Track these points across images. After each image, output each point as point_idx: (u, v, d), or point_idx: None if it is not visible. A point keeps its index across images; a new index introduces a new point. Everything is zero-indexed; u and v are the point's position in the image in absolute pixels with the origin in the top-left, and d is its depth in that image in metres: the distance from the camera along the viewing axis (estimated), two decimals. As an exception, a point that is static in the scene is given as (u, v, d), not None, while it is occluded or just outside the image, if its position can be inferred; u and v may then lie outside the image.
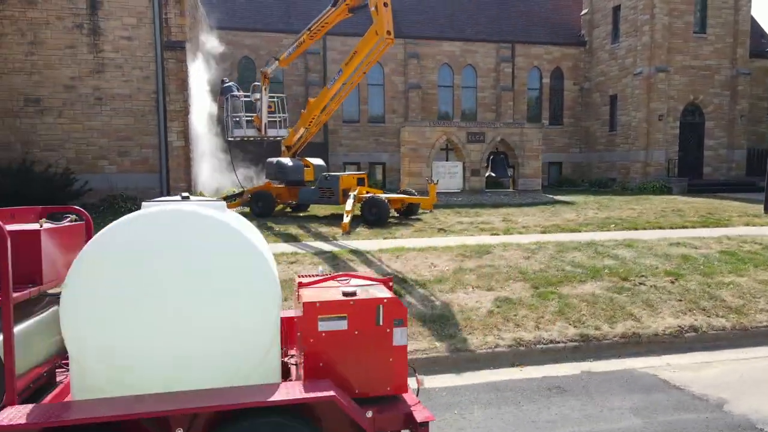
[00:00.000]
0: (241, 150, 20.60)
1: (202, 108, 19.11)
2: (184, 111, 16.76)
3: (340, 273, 4.33)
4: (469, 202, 17.61)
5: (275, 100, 17.48)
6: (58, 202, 15.39)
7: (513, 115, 27.69)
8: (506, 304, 7.37)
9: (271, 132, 17.39)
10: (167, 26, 16.53)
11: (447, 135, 18.94)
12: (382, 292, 3.73)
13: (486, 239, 11.26)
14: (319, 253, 9.96)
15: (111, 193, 16.53)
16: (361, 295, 3.63)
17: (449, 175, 19.18)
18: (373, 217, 13.02)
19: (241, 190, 16.19)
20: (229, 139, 17.20)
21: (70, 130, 16.52)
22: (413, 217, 14.49)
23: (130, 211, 14.51)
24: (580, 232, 12.31)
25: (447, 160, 20.10)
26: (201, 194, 16.79)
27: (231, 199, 15.33)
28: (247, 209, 15.29)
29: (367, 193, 14.31)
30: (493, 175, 19.86)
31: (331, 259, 9.50)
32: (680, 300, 7.64)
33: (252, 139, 17.49)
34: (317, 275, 4.38)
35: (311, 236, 11.76)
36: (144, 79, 16.82)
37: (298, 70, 25.48)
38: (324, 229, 12.54)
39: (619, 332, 6.74)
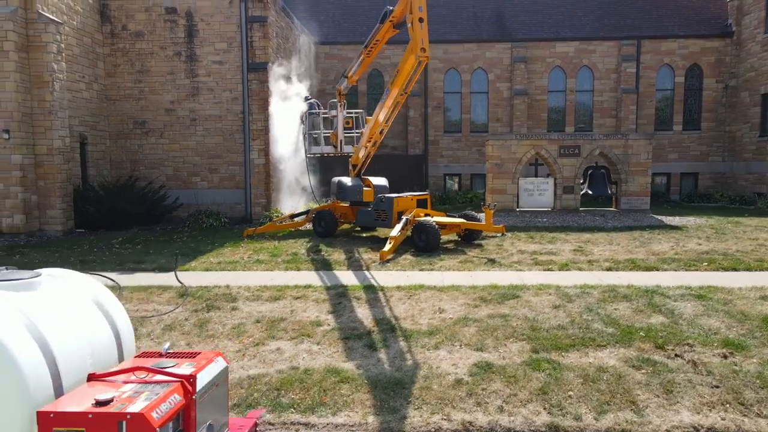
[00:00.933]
0: (326, 166, 20.91)
1: (293, 125, 19.68)
2: (265, 130, 17.38)
3: (167, 352, 3.92)
4: (554, 223, 15.93)
5: (352, 116, 17.37)
6: (153, 216, 16.86)
7: (636, 120, 24.71)
8: (483, 372, 6.34)
9: (348, 149, 17.33)
10: (252, 49, 17.25)
11: (536, 149, 17.37)
12: (149, 400, 3.25)
13: (528, 277, 9.99)
14: (334, 287, 9.56)
15: (200, 208, 17.71)
16: (114, 404, 3.19)
17: (538, 193, 17.59)
18: (422, 243, 12.30)
19: (306, 208, 16.34)
20: (308, 155, 17.47)
21: (169, 150, 17.97)
22: (476, 242, 13.45)
23: (212, 226, 15.28)
24: (657, 270, 10.44)
25: (536, 176, 18.45)
26: (277, 211, 17.29)
27: (296, 218, 15.52)
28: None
29: (426, 216, 13.59)
30: (590, 192, 17.83)
31: (339, 296, 9.05)
32: (716, 386, 5.96)
33: (330, 155, 17.58)
34: (155, 352, 4.03)
35: (348, 264, 11.41)
36: (233, 101, 17.75)
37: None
38: (369, 255, 12.12)
39: (603, 427, 5.41)
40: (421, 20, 10.48)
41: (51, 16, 14.64)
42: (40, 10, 14.40)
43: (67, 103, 15.88)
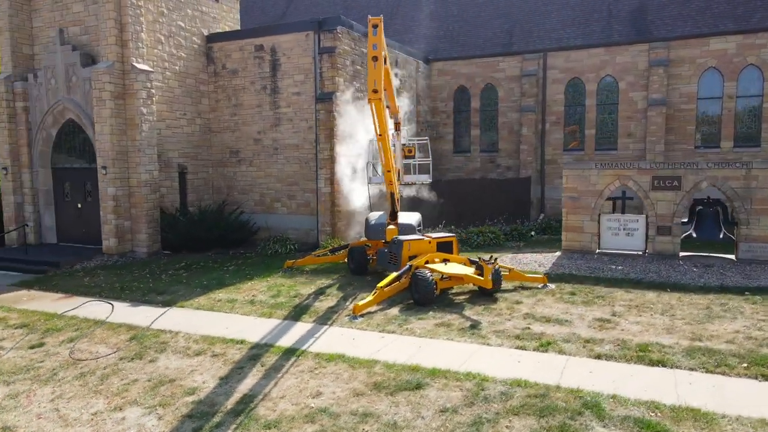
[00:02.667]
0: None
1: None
2: (331, 159, 17.57)
3: None
4: (628, 274, 13.02)
5: (414, 144, 16.54)
6: (236, 240, 18.28)
7: (825, 132, 18.91)
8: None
9: (409, 178, 16.60)
10: (321, 80, 17.57)
11: (621, 180, 14.45)
12: None
13: (480, 356, 8.39)
14: (263, 346, 9.26)
15: (278, 233, 18.69)
16: None
17: (626, 232, 14.62)
18: (417, 296, 11.17)
19: (345, 243, 16.00)
20: (369, 185, 17.15)
21: (256, 177, 19.30)
22: (496, 295, 11.73)
23: (276, 253, 16.05)
24: (663, 366, 7.90)
25: (623, 212, 15.28)
26: (336, 241, 17.31)
27: (335, 252, 15.32)
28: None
29: (444, 262, 12.31)
30: (694, 235, 14.23)
31: (252, 359, 8.74)
32: None
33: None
34: None
35: (322, 315, 10.93)
36: (308, 130, 18.34)
37: (513, 95, 23.25)
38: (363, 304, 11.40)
39: None
40: (374, 59, 9.48)
41: (143, 67, 16.85)
42: (134, 63, 16.68)
43: (164, 139, 18.12)
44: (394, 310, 10.97)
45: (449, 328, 9.84)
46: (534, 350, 8.71)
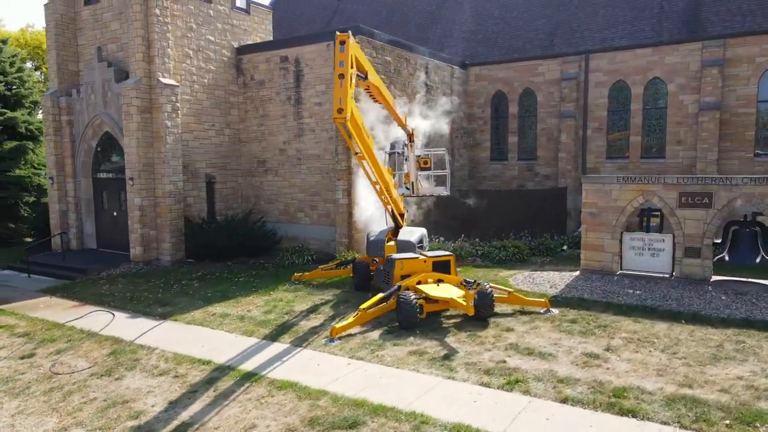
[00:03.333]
0: (441, 203, 19.74)
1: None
2: (348, 170, 17.38)
3: None
4: (644, 300, 11.88)
5: (430, 155, 16.02)
6: (258, 248, 18.54)
7: None
8: None
9: (425, 190, 16.13)
10: (340, 90, 17.39)
11: (645, 195, 13.24)
12: None
13: (437, 392, 7.88)
14: (225, 369, 9.21)
15: (300, 243, 18.78)
16: None
17: (651, 253, 13.40)
18: (401, 318, 10.75)
19: (353, 257, 15.69)
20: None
21: (281, 186, 19.51)
22: (491, 319, 11.06)
23: (293, 264, 16.15)
24: (634, 416, 7.08)
25: (647, 230, 13.96)
26: (351, 253, 17.08)
27: (341, 266, 15.10)
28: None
29: (437, 282, 11.78)
30: (727, 258, 12.80)
31: (208, 383, 8.69)
32: None
33: (410, 196, 16.58)
34: None
35: (300, 335, 10.76)
36: (329, 140, 18.29)
37: (552, 100, 22.09)
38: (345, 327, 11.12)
39: None
40: (341, 77, 9.12)
41: (167, 81, 17.42)
42: (159, 78, 17.28)
43: (192, 150, 18.66)
44: (375, 334, 10.61)
45: (421, 357, 9.36)
46: (498, 388, 8.09)
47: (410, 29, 27.72)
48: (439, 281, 11.91)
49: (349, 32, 9.47)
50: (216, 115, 19.64)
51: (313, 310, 12.52)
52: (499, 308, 11.82)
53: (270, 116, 19.73)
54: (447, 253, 12.52)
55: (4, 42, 25.68)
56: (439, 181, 17.17)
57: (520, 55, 22.91)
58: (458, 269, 16.08)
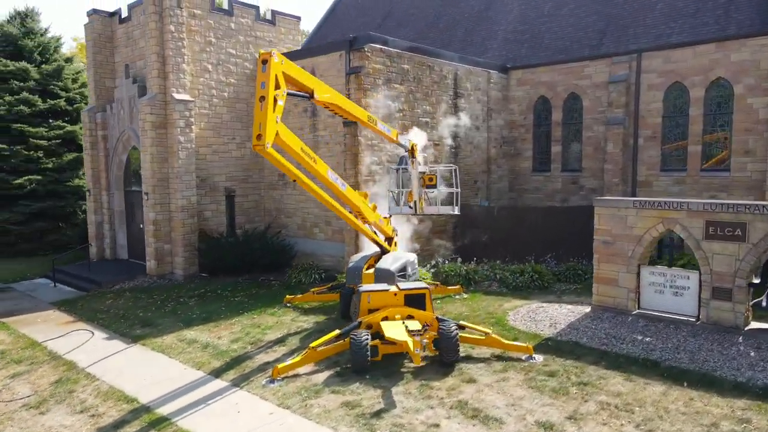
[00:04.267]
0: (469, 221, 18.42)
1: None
2: (356, 185, 16.54)
3: None
4: (651, 352, 9.97)
5: (435, 171, 14.81)
6: (278, 263, 18.23)
7: None
8: None
9: (430, 209, 14.96)
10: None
11: (666, 223, 11.22)
12: None
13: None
14: (147, 410, 8.71)
15: (315, 259, 18.27)
16: None
17: (673, 291, 11.36)
18: (351, 359, 9.77)
19: (343, 282, 14.73)
20: (389, 215, 15.78)
21: (299, 200, 19.11)
22: (460, 365, 9.78)
23: (299, 283, 15.72)
24: None
25: (669, 264, 11.78)
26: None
27: (333, 290, 14.27)
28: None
29: (408, 318, 10.63)
30: (764, 304, 10.50)
31: (116, 426, 8.22)
32: None
33: (413, 215, 15.46)
34: None
35: (245, 372, 10.09)
36: (341, 154, 17.60)
37: (600, 105, 19.87)
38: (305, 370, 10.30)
39: None
40: (261, 99, 8.25)
41: (181, 97, 17.49)
42: (173, 93, 17.40)
43: (210, 164, 18.68)
44: (321, 376, 9.71)
45: (351, 411, 8.36)
46: (409, 463, 6.93)
47: (457, 32, 26.32)
48: (409, 317, 10.75)
49: (273, 51, 8.61)
50: (237, 128, 19.55)
51: (282, 340, 11.82)
52: (477, 351, 10.51)
53: (289, 128, 19.24)
54: (422, 285, 11.29)
55: (69, 60, 27.42)
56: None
57: (566, 56, 20.82)
58: (466, 295, 14.82)
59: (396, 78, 17.44)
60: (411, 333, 9.84)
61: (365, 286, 11.30)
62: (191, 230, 17.85)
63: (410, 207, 14.83)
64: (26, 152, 23.84)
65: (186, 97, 17.65)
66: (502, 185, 22.15)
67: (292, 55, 19.28)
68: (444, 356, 9.79)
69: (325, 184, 10.78)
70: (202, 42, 18.39)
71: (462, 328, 10.55)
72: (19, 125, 23.99)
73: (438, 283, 14.93)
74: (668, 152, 18.85)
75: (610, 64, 19.46)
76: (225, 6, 19.66)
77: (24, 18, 26.40)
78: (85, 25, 20.31)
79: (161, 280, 17.66)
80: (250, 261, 17.77)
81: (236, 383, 9.63)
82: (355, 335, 9.73)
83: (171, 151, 17.59)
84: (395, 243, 13.70)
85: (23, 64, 24.78)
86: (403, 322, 10.43)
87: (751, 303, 10.62)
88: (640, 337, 10.65)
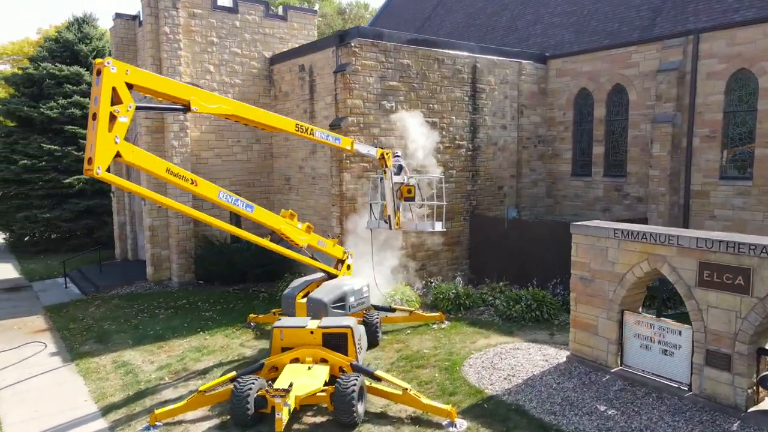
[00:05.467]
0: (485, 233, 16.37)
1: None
2: (341, 195, 15.23)
3: None
4: (611, 431, 7.69)
5: (413, 182, 13.03)
6: (280, 272, 17.42)
7: None
8: None
9: (409, 226, 13.30)
10: (336, 102, 15.32)
11: (651, 261, 8.67)
12: None
13: None
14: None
15: (312, 270, 17.15)
16: None
17: (662, 348, 8.82)
18: (232, 408, 8.50)
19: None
20: (368, 228, 14.23)
21: (301, 207, 18.21)
22: (365, 426, 8.21)
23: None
24: None
25: (659, 312, 9.04)
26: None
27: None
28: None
29: (322, 362, 9.17)
30: (775, 379, 7.71)
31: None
32: None
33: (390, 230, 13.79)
34: None
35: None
36: (331, 159, 16.30)
37: (648, 98, 16.71)
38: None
39: None
40: (93, 117, 7.08)
41: (174, 100, 17.06)
42: (168, 96, 17.01)
43: (212, 168, 18.18)
44: (205, 425, 8.60)
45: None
46: None
47: (502, 18, 23.79)
48: (323, 361, 9.26)
49: (109, 59, 7.40)
50: (243, 130, 18.86)
51: (207, 371, 10.84)
52: (395, 408, 8.80)
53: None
54: (344, 324, 9.68)
55: (122, 62, 28.45)
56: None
57: (612, 41, 17.73)
58: (446, 324, 12.96)
59: (392, 75, 15.69)
60: (306, 383, 8.38)
61: (279, 321, 9.94)
62: (186, 237, 17.49)
63: (385, 221, 13.20)
64: (76, 153, 25.04)
65: (181, 100, 17.17)
66: (537, 191, 19.54)
67: (291, 53, 18.25)
68: (338, 416, 8.22)
69: (224, 207, 9.53)
70: (203, 42, 17.84)
71: (378, 380, 8.90)
72: (71, 127, 25.26)
73: (413, 309, 13.15)
74: (730, 156, 15.36)
75: (662, 48, 16.21)
76: (230, 3, 18.94)
77: (81, 24, 27.76)
78: (110, 29, 20.63)
79: (157, 286, 17.50)
80: (241, 269, 17.06)
81: (115, 425, 8.78)
82: (240, 382, 8.44)
83: (166, 156, 17.27)
84: (348, 266, 12.16)
85: (76, 68, 26.04)
86: (310, 368, 8.99)
87: (758, 377, 7.86)
88: (603, 408, 8.32)
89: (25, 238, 26.27)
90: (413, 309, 13.09)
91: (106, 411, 9.31)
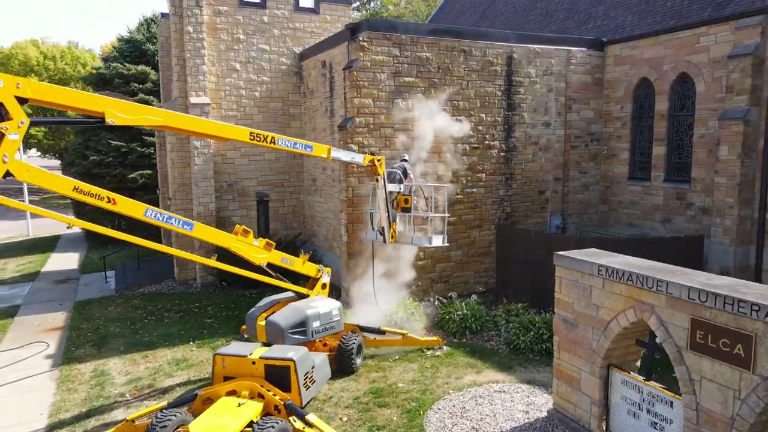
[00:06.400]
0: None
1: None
2: (348, 201, 14.29)
3: None
4: None
5: (409, 191, 11.76)
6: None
7: None
8: None
9: (403, 238, 12.07)
10: (345, 101, 14.37)
11: (639, 310, 6.83)
12: None
13: None
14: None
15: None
16: None
17: (649, 418, 6.98)
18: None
19: None
20: (366, 239, 13.13)
21: (324, 209, 17.63)
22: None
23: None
24: None
25: (648, 374, 7.02)
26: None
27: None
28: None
29: (258, 398, 8.35)
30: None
31: None
32: None
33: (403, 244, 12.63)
34: None
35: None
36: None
37: (719, 90, 13.98)
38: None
39: None
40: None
41: (196, 101, 16.78)
42: (190, 97, 16.87)
43: (239, 168, 17.93)
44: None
45: None
46: None
47: (564, 0, 21.34)
48: (260, 396, 8.41)
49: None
50: (271, 129, 18.36)
51: (170, 389, 10.42)
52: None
53: (318, 128, 17.57)
54: (288, 356, 8.70)
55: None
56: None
57: (678, 22, 15.02)
58: (442, 351, 11.62)
59: (409, 70, 14.34)
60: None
61: (223, 348, 9.21)
62: (209, 238, 17.36)
63: (380, 233, 12.05)
64: (140, 149, 26.15)
65: (203, 100, 17.03)
66: (589, 196, 17.27)
67: (314, 49, 17.42)
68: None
69: (158, 225, 8.86)
70: (229, 40, 17.51)
71: (309, 425, 7.89)
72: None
73: (406, 332, 11.86)
74: (819, 161, 12.40)
75: (734, 29, 13.42)
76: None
77: (150, 24, 28.86)
78: (159, 29, 21.02)
79: (182, 286, 17.62)
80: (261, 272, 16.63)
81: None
82: (158, 417, 7.82)
83: (189, 157, 17.23)
84: (322, 285, 11.12)
85: (142, 67, 27.12)
86: (240, 404, 8.18)
87: (763, 478, 5.87)
88: (560, 490, 6.71)
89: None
90: (406, 332, 11.83)
91: (50, 429, 9.15)
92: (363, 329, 11.59)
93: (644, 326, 7.03)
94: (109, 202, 7.90)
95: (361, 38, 13.75)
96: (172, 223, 8.65)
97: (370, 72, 13.94)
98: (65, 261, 22.86)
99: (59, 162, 53.79)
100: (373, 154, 11.49)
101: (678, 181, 15.26)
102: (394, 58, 14.18)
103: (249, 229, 9.87)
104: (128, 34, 29.11)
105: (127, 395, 10.27)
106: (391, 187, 11.82)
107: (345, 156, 11.14)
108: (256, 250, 9.85)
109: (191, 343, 12.78)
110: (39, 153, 59.43)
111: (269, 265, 10.22)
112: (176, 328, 13.83)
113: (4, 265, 22.27)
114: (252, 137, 9.51)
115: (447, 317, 12.81)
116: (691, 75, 14.68)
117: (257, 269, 10.38)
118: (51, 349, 12.85)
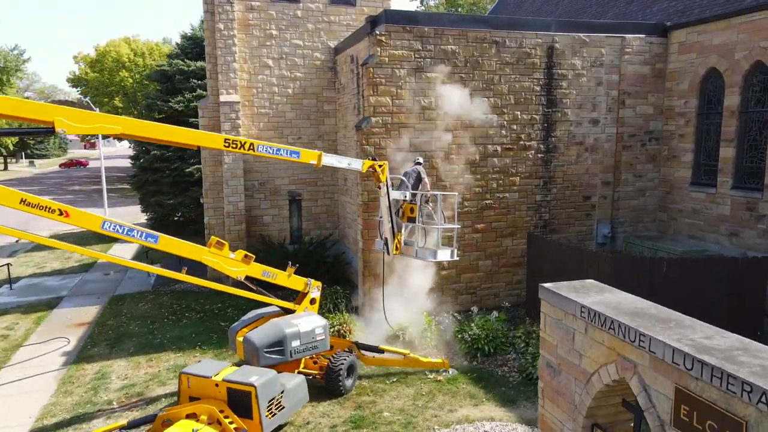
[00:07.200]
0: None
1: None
2: (365, 206, 13.63)
3: None
4: None
5: (416, 199, 10.79)
6: (334, 280, 16.62)
7: None
8: None
9: (408, 251, 11.18)
10: (362, 99, 13.62)
11: (620, 365, 5.53)
12: None
13: None
14: None
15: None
16: None
17: (637, 499, 5.67)
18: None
19: None
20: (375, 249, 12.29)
21: (352, 209, 16.92)
22: None
23: (319, 309, 14.40)
24: None
25: None
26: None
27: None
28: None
29: (216, 424, 7.87)
30: None
31: None
32: None
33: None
34: None
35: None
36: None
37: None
38: None
39: None
40: None
41: (226, 99, 16.57)
42: (221, 95, 16.71)
43: (271, 166, 17.64)
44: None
45: None
46: None
47: (632, -22, 19.12)
48: (218, 422, 7.89)
49: None
50: (304, 126, 17.95)
51: (156, 400, 10.24)
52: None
53: (348, 126, 16.86)
54: (249, 381, 8.09)
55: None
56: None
57: (753, 2, 12.76)
58: (446, 375, 10.64)
59: (432, 65, 13.25)
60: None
61: (188, 367, 8.77)
62: (239, 237, 17.27)
63: (385, 244, 11.17)
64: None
65: (233, 98, 16.83)
66: (645, 202, 15.34)
67: (345, 43, 16.67)
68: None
69: (117, 238, 8.50)
70: (262, 36, 17.18)
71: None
72: (194, 119, 27.04)
73: (408, 352, 10.90)
74: None
75: (821, 9, 11.14)
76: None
77: (210, 20, 29.35)
78: (203, 27, 21.16)
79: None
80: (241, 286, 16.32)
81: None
82: (112, 439, 7.54)
83: (218, 156, 17.14)
84: (311, 300, 10.39)
85: (201, 63, 27.63)
86: (196, 430, 7.70)
87: None
88: None
89: (159, 221, 29.09)
90: (408, 352, 10.88)
91: (27, 437, 9.22)
92: (360, 347, 10.81)
93: (625, 387, 5.72)
94: (61, 214, 7.62)
95: (377, 32, 12.85)
96: (133, 236, 8.29)
97: (387, 68, 13.02)
98: (125, 252, 23.82)
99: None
100: (374, 159, 10.59)
101: (749, 189, 13.08)
102: (416, 52, 13.15)
103: (224, 242, 9.40)
104: (191, 31, 29.81)
105: (114, 403, 10.19)
106: (396, 194, 10.89)
107: (339, 162, 10.33)
108: (231, 263, 9.37)
109: (197, 348, 12.62)
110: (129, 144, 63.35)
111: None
112: (190, 330, 13.76)
113: (71, 254, 23.54)
114: (227, 144, 8.96)
115: (459, 336, 11.73)
116: (763, 61, 12.46)
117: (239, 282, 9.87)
118: (70, 345, 13.17)
